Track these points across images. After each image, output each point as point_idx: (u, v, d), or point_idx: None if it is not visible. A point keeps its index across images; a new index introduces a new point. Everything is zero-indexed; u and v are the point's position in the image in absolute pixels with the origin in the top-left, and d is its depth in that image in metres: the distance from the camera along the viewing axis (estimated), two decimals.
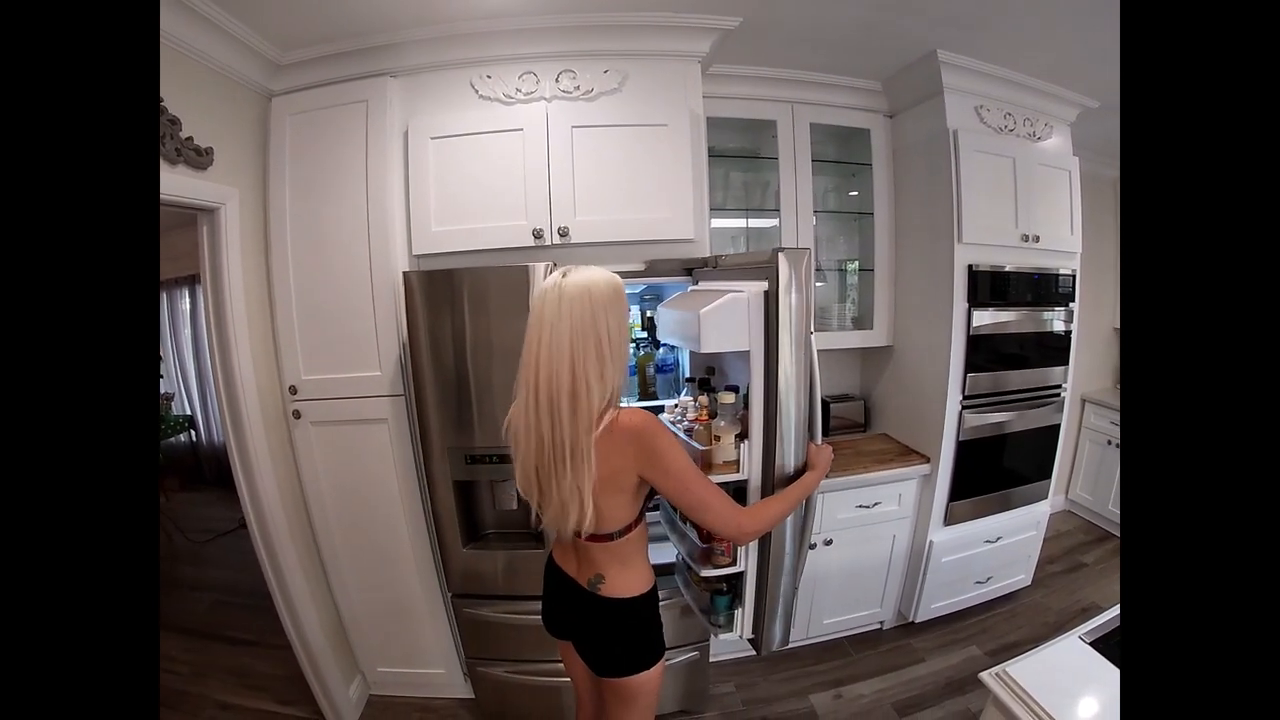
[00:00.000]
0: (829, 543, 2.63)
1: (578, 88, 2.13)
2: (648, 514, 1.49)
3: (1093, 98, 2.88)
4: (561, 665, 2.26)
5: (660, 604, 1.55)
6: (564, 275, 1.28)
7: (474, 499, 2.19)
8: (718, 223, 2.86)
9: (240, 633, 3.18)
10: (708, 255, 2.05)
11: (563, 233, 2.07)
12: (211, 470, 5.67)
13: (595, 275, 1.29)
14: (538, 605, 2.16)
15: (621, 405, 1.35)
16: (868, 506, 2.67)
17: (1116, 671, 1.29)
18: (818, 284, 2.94)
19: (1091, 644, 1.39)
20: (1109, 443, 3.96)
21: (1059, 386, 2.93)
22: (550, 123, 2.08)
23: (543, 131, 2.08)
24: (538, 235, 2.08)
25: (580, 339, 1.24)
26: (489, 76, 2.14)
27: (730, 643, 2.73)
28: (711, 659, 2.69)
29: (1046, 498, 3.07)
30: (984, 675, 1.35)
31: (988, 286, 2.62)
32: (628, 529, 1.40)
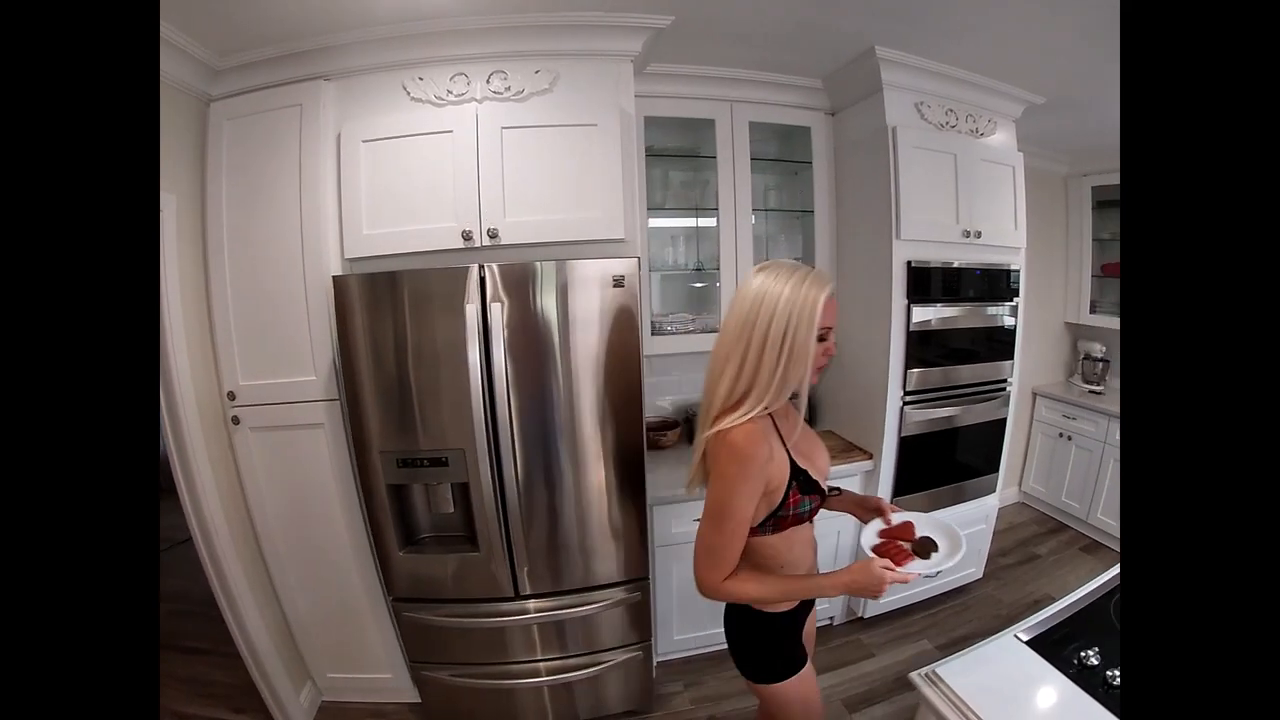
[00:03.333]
0: None
1: (508, 88, 2.11)
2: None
3: (1039, 94, 2.90)
4: (514, 668, 2.28)
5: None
6: (759, 270, 1.28)
7: (409, 503, 2.18)
8: (658, 222, 2.87)
9: (194, 641, 3.15)
10: (638, 255, 2.04)
11: (492, 234, 2.06)
12: (166, 479, 5.58)
13: (785, 279, 1.24)
14: (480, 608, 2.19)
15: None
16: None
17: (1053, 670, 1.30)
18: None
19: (1028, 642, 1.39)
20: (1060, 435, 4.02)
21: (1005, 381, 2.96)
22: (480, 124, 2.06)
23: (472, 133, 2.06)
24: (467, 237, 2.06)
25: (735, 339, 1.26)
26: (421, 79, 2.12)
27: (678, 642, 2.74)
28: (660, 658, 2.71)
29: (995, 491, 3.10)
30: (913, 676, 1.34)
31: (928, 282, 2.63)
32: (754, 530, 1.34)
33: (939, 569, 1.36)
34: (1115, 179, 3.89)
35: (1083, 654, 1.32)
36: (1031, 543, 3.84)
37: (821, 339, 1.25)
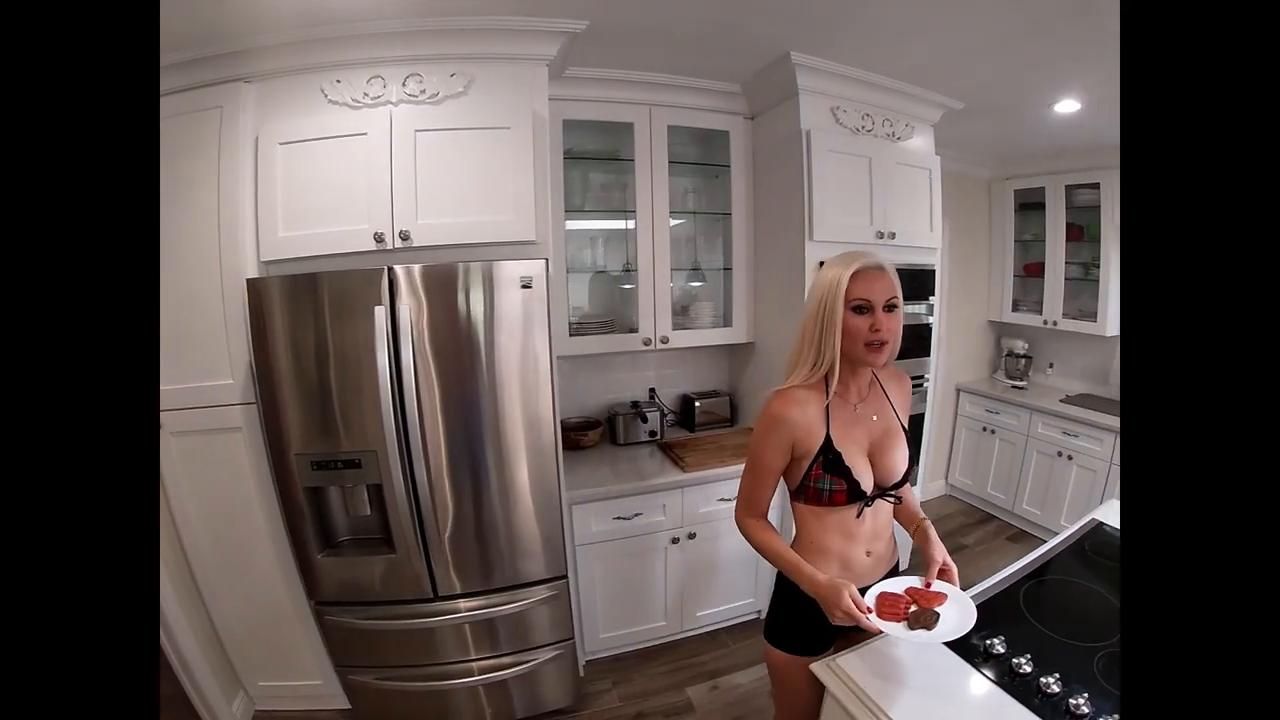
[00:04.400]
0: (692, 536, 2.67)
1: (424, 91, 2.13)
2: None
3: (957, 99, 2.98)
4: (439, 669, 2.28)
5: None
6: None
7: (326, 506, 2.18)
8: (580, 224, 2.90)
9: None
10: (547, 258, 2.07)
11: (404, 236, 2.07)
12: None
13: (828, 265, 1.40)
14: (403, 609, 2.19)
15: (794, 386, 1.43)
16: (729, 499, 2.71)
17: (957, 659, 1.31)
18: (694, 284, 2.98)
19: None
20: (984, 429, 4.16)
21: (923, 377, 3.05)
22: (394, 126, 2.07)
23: (386, 135, 2.07)
24: (379, 239, 2.07)
25: (799, 322, 1.45)
26: (339, 81, 2.12)
27: (604, 640, 2.77)
28: (588, 657, 2.72)
29: (916, 484, 3.18)
30: (814, 666, 1.34)
31: None
32: (794, 494, 1.49)
33: (910, 641, 1.26)
34: (1037, 182, 4.03)
35: (989, 642, 1.34)
36: (959, 533, 3.96)
37: (859, 311, 1.33)
